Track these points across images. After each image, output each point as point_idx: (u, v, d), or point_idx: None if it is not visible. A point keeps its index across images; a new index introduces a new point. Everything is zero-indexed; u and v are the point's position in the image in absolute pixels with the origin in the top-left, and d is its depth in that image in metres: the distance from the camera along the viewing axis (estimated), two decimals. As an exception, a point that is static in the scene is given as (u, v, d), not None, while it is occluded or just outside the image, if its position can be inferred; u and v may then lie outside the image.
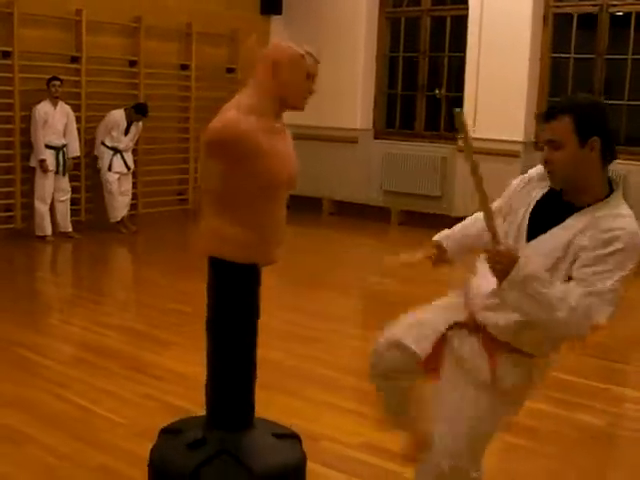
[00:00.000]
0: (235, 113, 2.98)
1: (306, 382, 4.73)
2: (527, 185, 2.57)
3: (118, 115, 9.02)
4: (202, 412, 3.45)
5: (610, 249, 2.27)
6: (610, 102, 9.31)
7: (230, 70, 10.72)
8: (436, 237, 2.94)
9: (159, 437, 3.35)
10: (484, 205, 2.34)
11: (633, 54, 9.17)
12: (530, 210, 2.48)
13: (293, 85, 3.05)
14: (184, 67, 10.27)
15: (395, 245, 9.88)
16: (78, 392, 4.45)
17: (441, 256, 2.90)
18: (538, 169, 2.55)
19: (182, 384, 4.58)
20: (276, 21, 11.32)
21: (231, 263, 3.06)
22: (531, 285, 2.25)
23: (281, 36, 11.11)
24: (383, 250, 9.43)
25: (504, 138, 9.60)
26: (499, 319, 2.47)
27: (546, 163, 2.39)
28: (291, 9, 11.23)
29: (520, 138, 9.58)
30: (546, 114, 2.37)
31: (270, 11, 11.17)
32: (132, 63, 9.68)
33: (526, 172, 2.63)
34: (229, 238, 3.04)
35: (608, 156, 2.36)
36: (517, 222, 2.49)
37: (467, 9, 9.96)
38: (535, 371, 2.55)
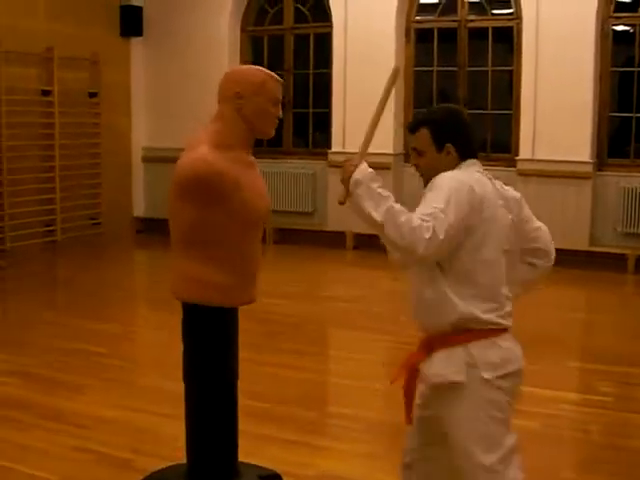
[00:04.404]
0: (207, 148, 2.83)
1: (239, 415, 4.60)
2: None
3: None
4: (142, 460, 3.24)
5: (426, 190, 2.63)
6: (474, 112, 9.69)
7: (92, 95, 10.40)
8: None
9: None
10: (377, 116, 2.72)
11: (492, 66, 9.58)
12: None
13: (259, 114, 2.95)
14: (45, 93, 9.83)
15: (273, 263, 9.82)
16: (-5, 451, 4.05)
17: None
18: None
19: (109, 430, 4.33)
20: (137, 43, 11.06)
21: (209, 308, 2.89)
22: (360, 187, 2.55)
23: (142, 58, 10.88)
24: (261, 269, 9.32)
25: (374, 151, 9.66)
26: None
27: (415, 167, 2.78)
28: (151, 30, 11.00)
29: (390, 150, 9.76)
30: (410, 127, 2.83)
31: (130, 33, 10.91)
32: (-10, 91, 9.17)
33: (398, 183, 2.87)
34: (209, 283, 2.86)
35: (465, 156, 2.71)
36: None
37: (330, 26, 10.09)
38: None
